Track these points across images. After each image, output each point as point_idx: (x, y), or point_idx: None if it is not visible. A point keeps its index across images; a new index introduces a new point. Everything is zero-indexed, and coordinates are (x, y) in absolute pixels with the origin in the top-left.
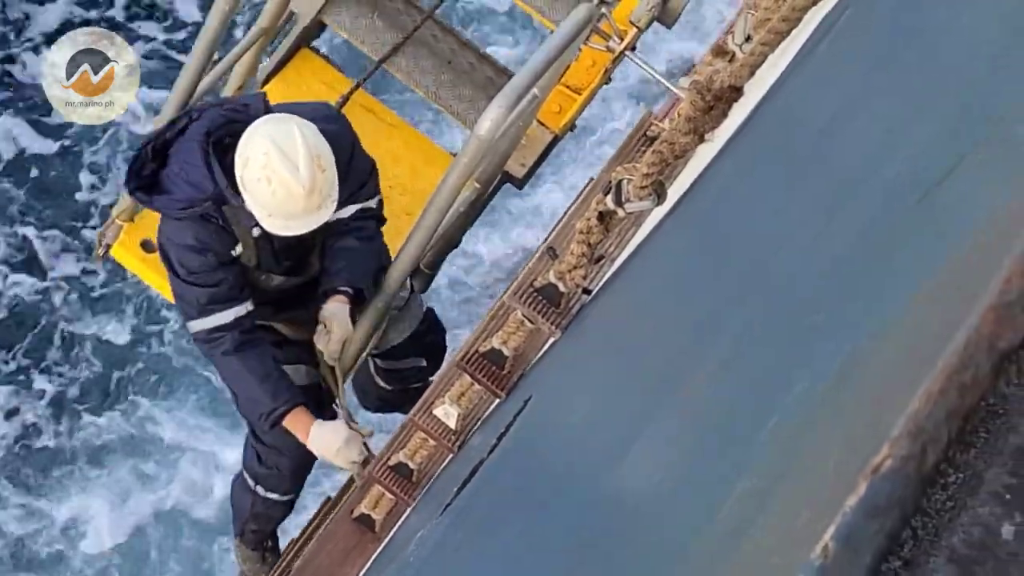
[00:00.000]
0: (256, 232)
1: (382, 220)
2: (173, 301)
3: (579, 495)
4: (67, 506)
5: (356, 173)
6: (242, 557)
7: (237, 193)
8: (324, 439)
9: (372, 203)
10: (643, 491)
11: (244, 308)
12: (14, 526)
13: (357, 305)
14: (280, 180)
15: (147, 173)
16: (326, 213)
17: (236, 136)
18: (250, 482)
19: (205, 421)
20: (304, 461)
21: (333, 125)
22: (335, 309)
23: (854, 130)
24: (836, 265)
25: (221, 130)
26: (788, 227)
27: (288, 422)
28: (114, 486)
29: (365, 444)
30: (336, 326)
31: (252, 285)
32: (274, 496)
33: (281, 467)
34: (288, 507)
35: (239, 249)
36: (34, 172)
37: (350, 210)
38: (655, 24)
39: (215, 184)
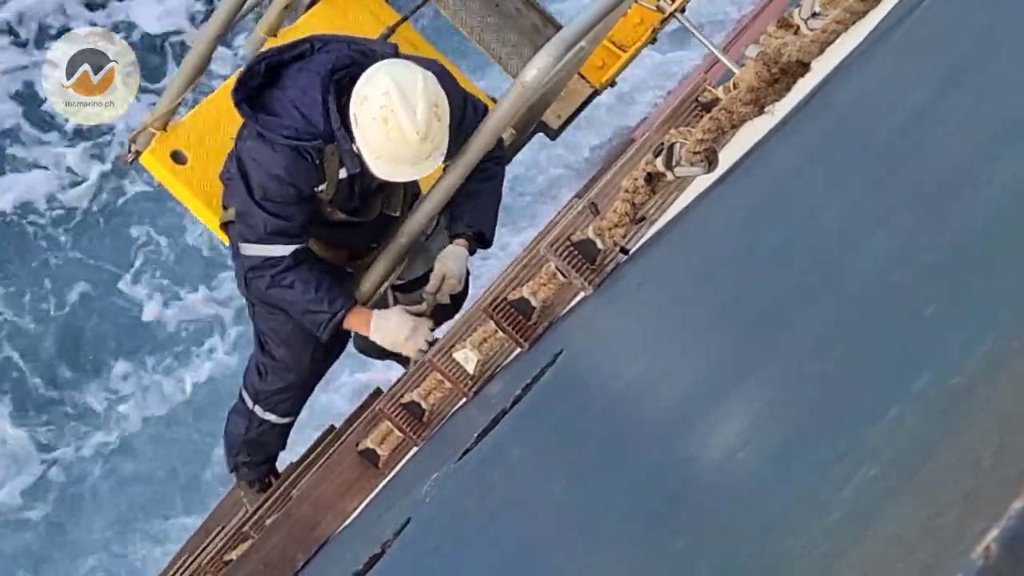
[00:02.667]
0: (343, 174)
1: (504, 159)
2: (206, 220)
3: (641, 458)
4: None
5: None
6: (250, 501)
7: (349, 133)
8: (391, 328)
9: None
10: (725, 461)
11: (302, 244)
12: None
13: (481, 246)
14: (396, 122)
15: (254, 86)
16: (433, 164)
17: (355, 79)
18: (248, 402)
19: None
20: (310, 380)
21: (448, 81)
22: (451, 251)
23: (949, 122)
24: (946, 260)
25: (344, 70)
26: (876, 216)
27: (348, 322)
28: None
29: (430, 330)
30: (450, 263)
31: (315, 216)
32: (272, 417)
33: (287, 384)
34: (282, 435)
35: (322, 188)
36: None
37: None
38: None
39: (327, 123)
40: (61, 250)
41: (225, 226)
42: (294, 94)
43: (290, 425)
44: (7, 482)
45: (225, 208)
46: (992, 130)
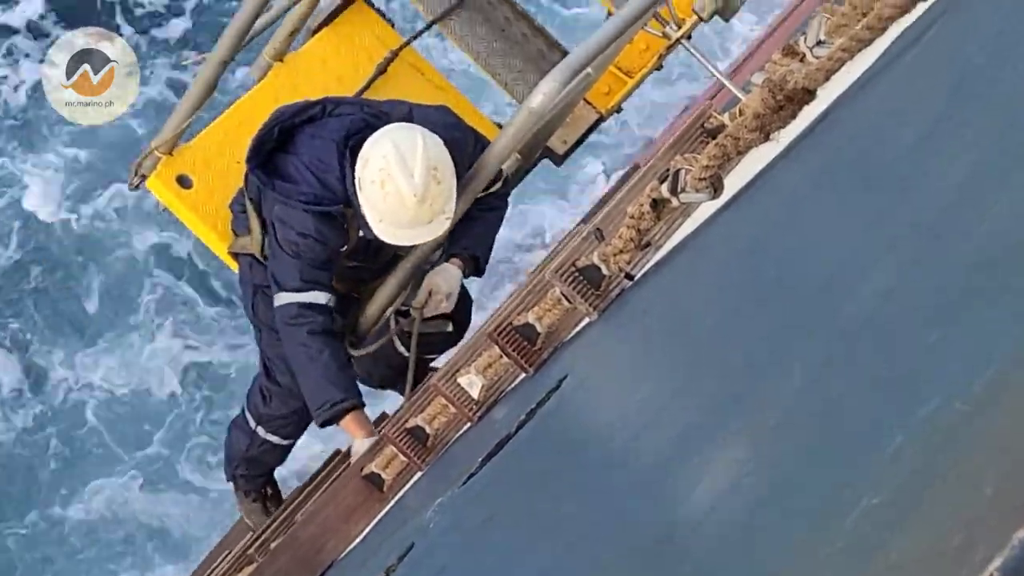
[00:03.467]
0: (361, 233)
1: (508, 195)
2: (225, 257)
3: (644, 486)
4: None
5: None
6: (245, 510)
7: (356, 197)
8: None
9: (497, 186)
10: (730, 489)
11: (333, 299)
12: None
13: (474, 273)
14: (394, 185)
15: (267, 150)
16: (437, 229)
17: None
18: (251, 423)
19: None
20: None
21: (455, 133)
22: (442, 268)
23: (950, 151)
24: (948, 285)
25: (358, 135)
26: (880, 243)
27: (351, 417)
28: None
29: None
30: (439, 279)
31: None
32: (274, 439)
33: (288, 407)
34: (283, 454)
35: (346, 247)
36: None
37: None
38: None
39: (344, 188)
40: None
41: (234, 254)
42: (309, 159)
43: (291, 445)
44: None
45: (235, 234)
46: (995, 158)
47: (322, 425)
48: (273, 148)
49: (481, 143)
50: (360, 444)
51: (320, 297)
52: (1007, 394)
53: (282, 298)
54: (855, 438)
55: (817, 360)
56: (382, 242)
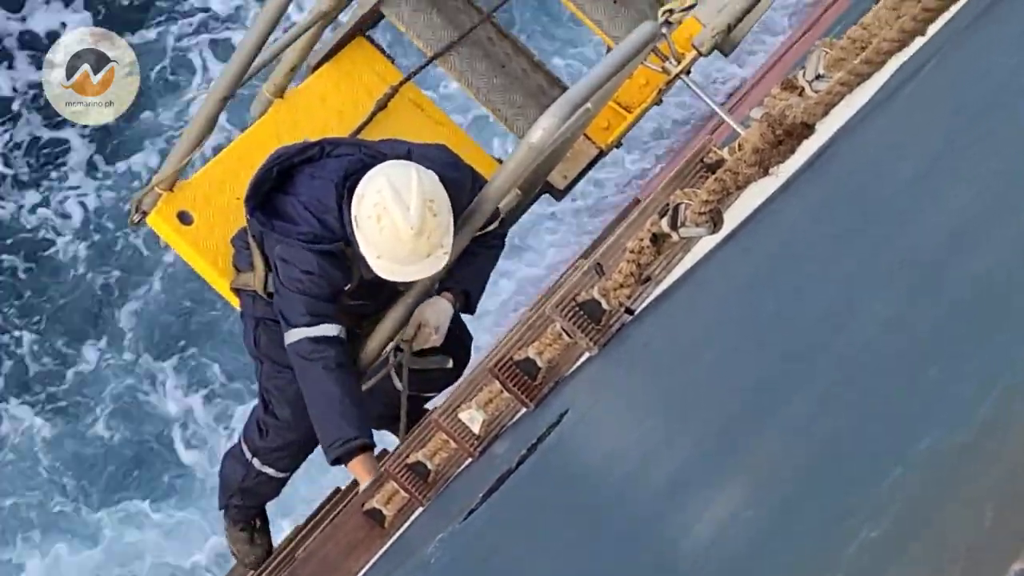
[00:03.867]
0: (363, 272)
1: (506, 236)
2: (229, 298)
3: (639, 524)
4: None
5: None
6: (231, 539)
7: (354, 234)
8: None
9: (494, 225)
10: (730, 521)
11: (344, 329)
12: None
13: (465, 309)
14: (390, 219)
15: (265, 191)
16: (436, 264)
17: None
18: (247, 454)
19: None
20: (311, 440)
21: (453, 172)
22: (432, 301)
23: (948, 185)
24: (948, 316)
25: (356, 175)
26: (878, 277)
27: (361, 458)
28: None
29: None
30: (428, 312)
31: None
32: (270, 471)
33: (284, 440)
34: (278, 486)
35: (349, 286)
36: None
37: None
38: None
39: (343, 228)
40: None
41: (236, 290)
42: (307, 199)
43: (287, 478)
44: None
45: (237, 270)
46: (993, 192)
47: (333, 463)
48: (272, 188)
49: (479, 182)
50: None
51: (331, 330)
52: (1004, 426)
53: (293, 334)
54: (854, 470)
55: (816, 393)
56: (382, 280)
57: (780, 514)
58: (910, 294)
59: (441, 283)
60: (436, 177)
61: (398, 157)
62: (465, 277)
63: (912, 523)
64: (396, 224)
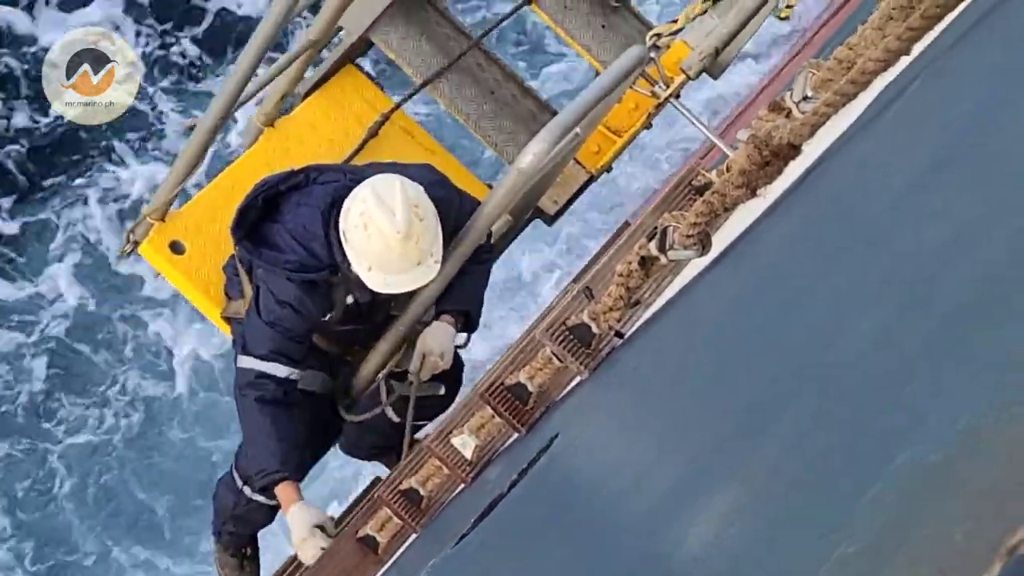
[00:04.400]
0: (350, 300)
1: (494, 255)
2: (217, 322)
3: (624, 546)
4: None
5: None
6: (220, 562)
7: (345, 258)
8: (293, 525)
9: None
10: (713, 541)
11: (297, 373)
12: None
13: (466, 329)
14: (376, 225)
15: (252, 220)
16: (427, 271)
17: None
18: (238, 482)
19: None
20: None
21: (440, 191)
22: (432, 327)
23: (933, 205)
24: (924, 341)
25: (342, 201)
26: (862, 297)
27: (278, 489)
28: None
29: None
30: (429, 340)
31: (320, 328)
32: (260, 498)
33: None
34: (269, 513)
35: (331, 315)
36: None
37: None
38: None
39: (331, 255)
40: None
41: (228, 318)
42: (294, 227)
43: (278, 506)
44: None
45: (228, 298)
46: (978, 211)
47: (259, 491)
48: (259, 217)
49: (467, 202)
50: (290, 516)
51: (280, 370)
52: (979, 443)
53: (244, 361)
54: (836, 487)
55: (802, 411)
56: (374, 303)
57: (763, 535)
58: (895, 313)
59: (437, 307)
60: (419, 186)
61: None
62: (461, 297)
63: (888, 540)
64: (383, 230)
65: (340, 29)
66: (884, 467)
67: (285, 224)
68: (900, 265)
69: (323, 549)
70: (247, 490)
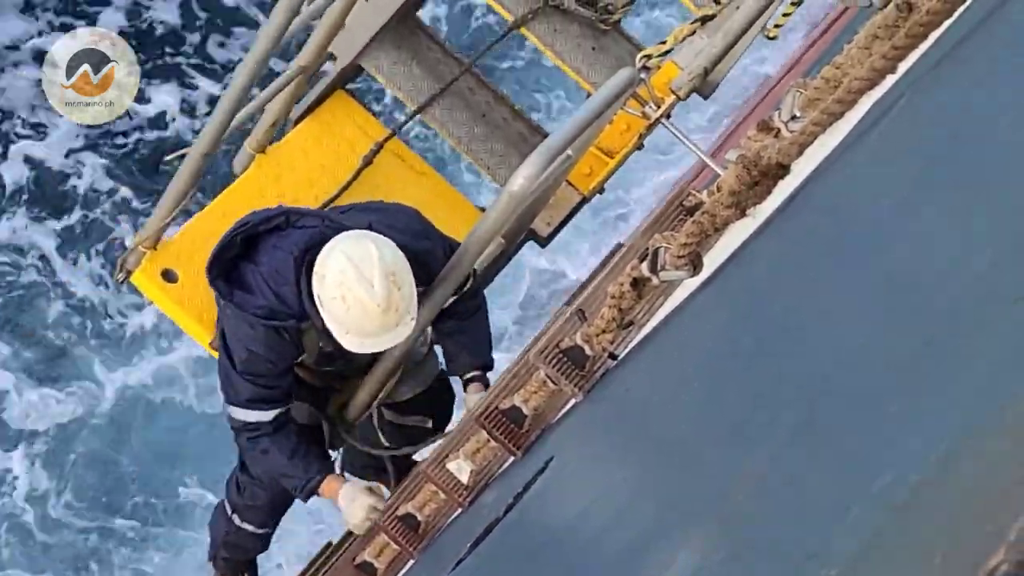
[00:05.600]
0: (321, 344)
1: (480, 291)
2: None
3: (618, 569)
4: None
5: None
6: None
7: (315, 307)
8: (343, 497)
9: (466, 288)
10: (701, 562)
11: (285, 409)
12: None
13: (487, 369)
14: (355, 298)
15: (228, 258)
16: (404, 331)
17: None
18: (228, 510)
19: None
20: (281, 498)
21: (425, 242)
22: (469, 399)
23: (916, 226)
24: (909, 358)
25: (317, 248)
26: (849, 315)
27: (322, 489)
28: None
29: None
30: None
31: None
32: (248, 527)
33: (258, 499)
34: (261, 541)
35: (303, 358)
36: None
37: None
38: None
39: (300, 303)
40: None
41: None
42: (267, 271)
43: (269, 534)
44: None
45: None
46: (965, 227)
47: (305, 500)
48: (237, 255)
49: (453, 248)
50: (342, 501)
51: (266, 415)
52: (958, 466)
53: (231, 411)
54: (817, 510)
55: (784, 432)
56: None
57: (743, 553)
58: (882, 331)
59: (458, 374)
60: (393, 244)
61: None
62: (475, 355)
63: (868, 562)
64: (363, 303)
65: (331, 55)
66: (865, 488)
67: (260, 266)
68: (886, 285)
69: (375, 509)
70: (235, 518)
